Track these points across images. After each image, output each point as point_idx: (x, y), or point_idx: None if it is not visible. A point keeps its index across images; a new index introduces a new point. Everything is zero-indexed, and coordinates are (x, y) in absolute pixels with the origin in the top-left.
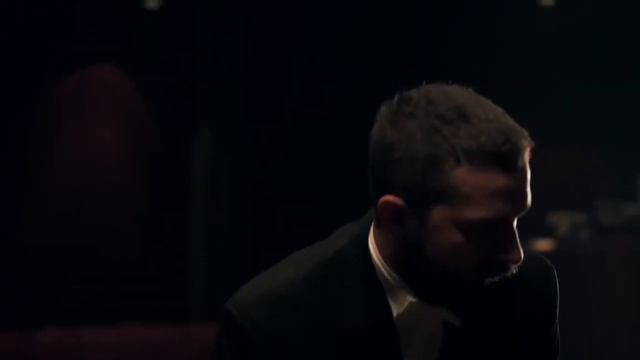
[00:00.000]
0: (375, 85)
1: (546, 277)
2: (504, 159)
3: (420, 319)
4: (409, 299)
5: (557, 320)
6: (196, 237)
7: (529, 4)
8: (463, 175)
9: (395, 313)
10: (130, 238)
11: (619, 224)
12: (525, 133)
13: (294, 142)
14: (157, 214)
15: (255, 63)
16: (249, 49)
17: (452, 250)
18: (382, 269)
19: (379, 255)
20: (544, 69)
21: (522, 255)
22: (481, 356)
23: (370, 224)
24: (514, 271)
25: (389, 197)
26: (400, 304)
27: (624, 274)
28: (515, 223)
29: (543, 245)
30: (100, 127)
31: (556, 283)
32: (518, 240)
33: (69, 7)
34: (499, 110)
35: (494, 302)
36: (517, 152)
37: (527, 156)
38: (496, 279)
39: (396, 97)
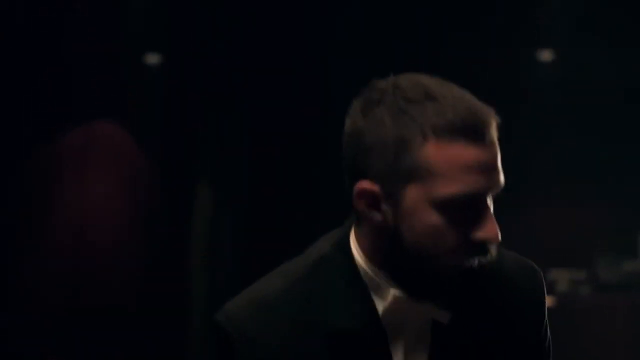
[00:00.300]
0: None
1: (533, 278)
2: (471, 131)
3: (406, 315)
4: (393, 292)
5: (546, 320)
6: (197, 293)
7: (529, 60)
8: (433, 151)
9: (380, 310)
10: (129, 294)
11: (619, 280)
12: (492, 111)
13: (295, 191)
14: (158, 270)
15: (256, 98)
16: (252, 94)
17: (429, 232)
18: (365, 267)
19: (361, 253)
20: (542, 126)
21: (499, 234)
22: (471, 357)
23: (351, 228)
24: (493, 253)
25: (364, 184)
26: (385, 300)
27: (624, 331)
28: (491, 205)
29: None
30: (101, 183)
31: (543, 284)
32: (494, 220)
33: (69, 62)
34: (467, 92)
35: (481, 302)
36: (484, 125)
37: (494, 132)
38: (476, 262)
39: (366, 89)
